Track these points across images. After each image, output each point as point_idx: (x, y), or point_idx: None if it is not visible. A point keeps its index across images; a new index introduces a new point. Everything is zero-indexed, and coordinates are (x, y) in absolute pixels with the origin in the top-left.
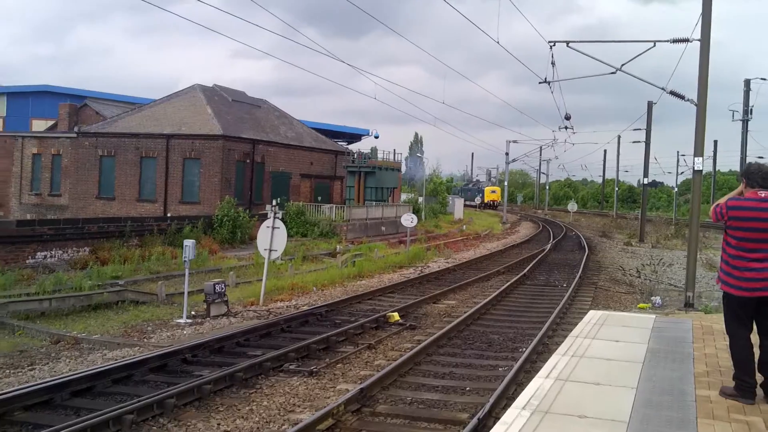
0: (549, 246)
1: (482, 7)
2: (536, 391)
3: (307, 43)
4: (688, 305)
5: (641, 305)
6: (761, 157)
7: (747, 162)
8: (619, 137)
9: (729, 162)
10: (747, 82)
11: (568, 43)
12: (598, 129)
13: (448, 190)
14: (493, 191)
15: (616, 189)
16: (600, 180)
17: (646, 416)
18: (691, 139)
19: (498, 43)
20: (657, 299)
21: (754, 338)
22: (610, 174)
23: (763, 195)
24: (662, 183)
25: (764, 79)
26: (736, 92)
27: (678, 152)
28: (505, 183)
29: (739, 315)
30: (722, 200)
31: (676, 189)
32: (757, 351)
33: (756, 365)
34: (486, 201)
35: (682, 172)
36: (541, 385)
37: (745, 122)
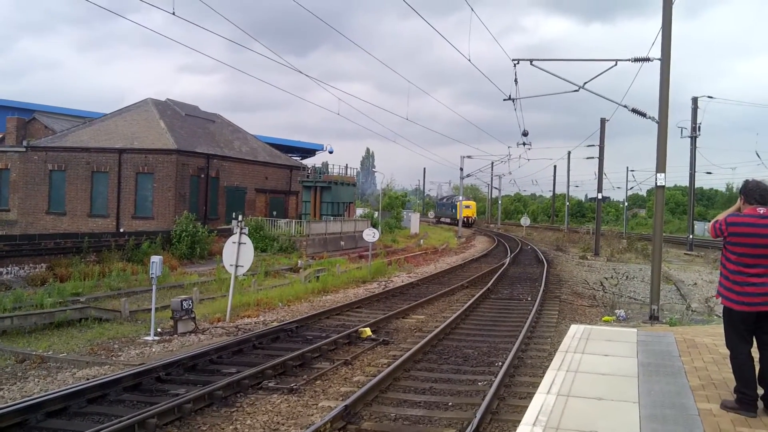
0: (508, 260)
1: (423, 29)
2: (542, 408)
3: (257, 57)
4: (653, 318)
5: (606, 318)
6: (709, 173)
7: (745, 180)
8: (569, 153)
9: (674, 178)
10: (695, 100)
11: (531, 61)
12: (549, 146)
13: (403, 204)
14: (467, 206)
15: (567, 204)
16: (549, 195)
17: (656, 431)
18: (638, 154)
19: (470, 61)
20: (621, 312)
21: (754, 352)
22: (560, 189)
23: (761, 211)
24: (609, 198)
25: (711, 98)
26: (679, 110)
27: (627, 167)
28: (460, 198)
29: (740, 330)
30: (721, 216)
31: (626, 204)
32: (757, 365)
33: (757, 378)
34: (459, 217)
35: (632, 188)
36: (545, 401)
37: (693, 139)
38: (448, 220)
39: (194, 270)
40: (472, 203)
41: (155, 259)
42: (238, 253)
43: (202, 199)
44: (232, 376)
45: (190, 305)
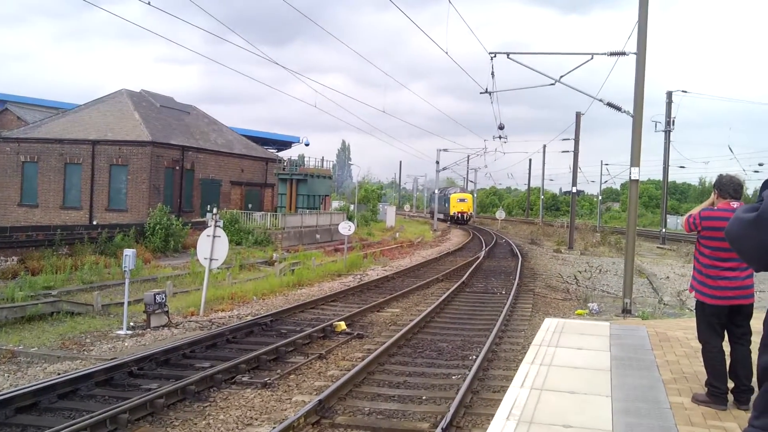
0: (482, 253)
1: (400, 22)
2: (515, 401)
3: (234, 49)
4: (626, 311)
5: (579, 311)
6: (683, 167)
7: (719, 174)
8: (544, 147)
9: (648, 172)
10: (669, 95)
11: (508, 54)
12: (525, 139)
13: (379, 197)
14: (462, 200)
15: (542, 197)
16: (524, 188)
17: (629, 425)
18: (612, 148)
19: (447, 53)
20: (594, 306)
21: (725, 346)
22: (535, 182)
23: (735, 206)
24: (583, 191)
25: (685, 92)
26: (653, 105)
27: (602, 161)
28: (436, 191)
29: (712, 323)
30: (695, 211)
31: (600, 197)
32: (728, 358)
33: (728, 372)
34: (452, 213)
35: (606, 181)
36: (518, 395)
37: (667, 133)
38: (441, 216)
39: (168, 263)
40: (468, 196)
41: (128, 252)
42: (212, 246)
43: (176, 192)
44: (206, 371)
45: (163, 299)
